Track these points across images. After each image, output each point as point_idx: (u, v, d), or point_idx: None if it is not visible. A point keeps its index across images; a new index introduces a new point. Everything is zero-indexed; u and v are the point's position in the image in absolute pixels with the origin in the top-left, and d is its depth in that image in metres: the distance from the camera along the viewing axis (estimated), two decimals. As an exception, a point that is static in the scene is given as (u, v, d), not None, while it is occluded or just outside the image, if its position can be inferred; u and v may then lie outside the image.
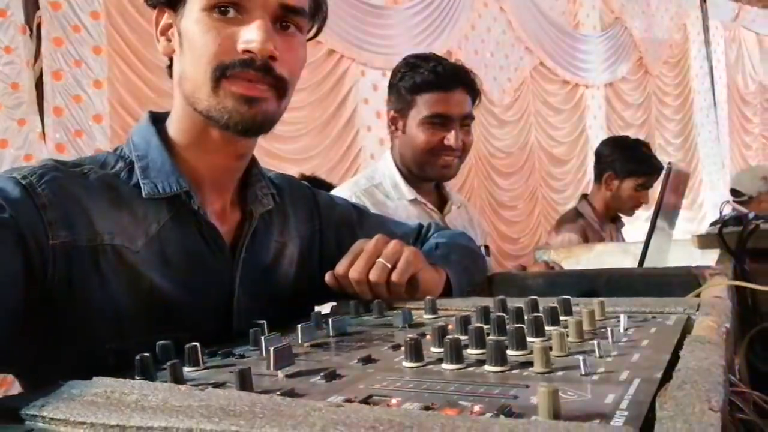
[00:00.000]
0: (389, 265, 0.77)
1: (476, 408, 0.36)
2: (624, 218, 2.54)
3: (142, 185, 0.74)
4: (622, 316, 0.56)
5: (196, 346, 0.56)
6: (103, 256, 0.68)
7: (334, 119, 3.76)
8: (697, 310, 0.59)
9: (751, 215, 1.26)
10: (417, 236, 1.06)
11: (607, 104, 5.17)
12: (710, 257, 1.41)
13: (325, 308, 0.85)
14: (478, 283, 0.97)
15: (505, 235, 4.32)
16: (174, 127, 0.80)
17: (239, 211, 0.84)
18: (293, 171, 2.27)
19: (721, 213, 2.35)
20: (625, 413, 0.33)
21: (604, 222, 2.40)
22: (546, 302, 0.63)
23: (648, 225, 1.23)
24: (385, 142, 3.84)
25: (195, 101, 0.75)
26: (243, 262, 0.79)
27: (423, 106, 1.48)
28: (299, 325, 0.62)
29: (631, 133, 5.30)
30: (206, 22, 0.73)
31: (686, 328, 0.54)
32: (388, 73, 3.95)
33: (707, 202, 5.82)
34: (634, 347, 0.48)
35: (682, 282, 0.92)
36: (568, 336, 0.51)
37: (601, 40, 5.04)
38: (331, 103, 3.70)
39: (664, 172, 1.14)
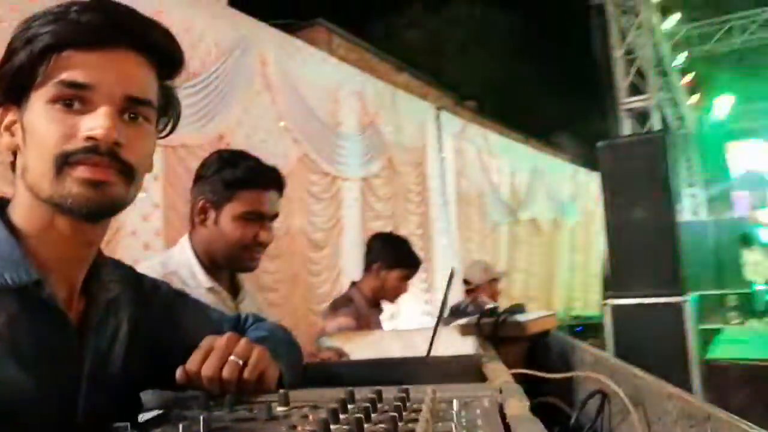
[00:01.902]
0: (241, 363, 0.83)
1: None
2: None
3: None
4: (454, 401, 0.70)
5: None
6: None
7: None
8: (501, 392, 0.77)
9: (500, 309, 1.56)
10: (236, 326, 1.11)
11: (362, 196, 5.67)
12: (468, 342, 1.69)
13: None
14: (299, 374, 1.06)
15: (269, 318, 4.39)
16: (19, 218, 0.78)
17: (85, 297, 0.84)
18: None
19: (463, 304, 2.75)
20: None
21: (370, 308, 2.65)
22: (388, 391, 0.76)
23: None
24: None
25: (38, 190, 0.76)
26: (90, 349, 0.80)
27: (240, 201, 1.55)
28: (180, 424, 0.65)
29: (381, 224, 5.89)
30: (50, 114, 0.76)
31: (500, 408, 0.71)
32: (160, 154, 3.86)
33: (440, 288, 6.61)
34: (475, 425, 0.63)
35: (465, 367, 1.13)
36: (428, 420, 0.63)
37: (358, 139, 5.58)
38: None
39: (449, 274, 1.37)
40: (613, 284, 5.89)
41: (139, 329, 0.93)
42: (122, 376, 0.88)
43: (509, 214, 8.36)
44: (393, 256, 2.67)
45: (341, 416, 0.64)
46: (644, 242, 5.42)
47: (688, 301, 5.13)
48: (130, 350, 0.90)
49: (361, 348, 1.73)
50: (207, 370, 0.81)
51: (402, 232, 6.16)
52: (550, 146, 14.29)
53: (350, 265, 5.30)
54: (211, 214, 1.58)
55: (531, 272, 9.10)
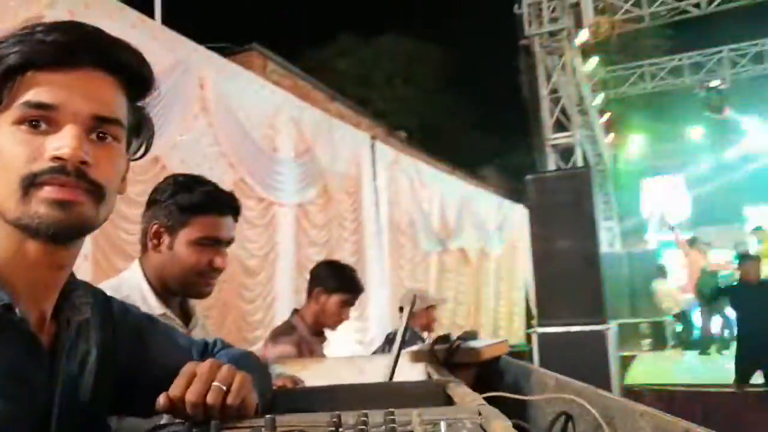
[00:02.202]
0: (225, 388, 0.83)
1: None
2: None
3: None
4: (442, 423, 0.74)
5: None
6: None
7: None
8: (480, 414, 0.81)
9: (454, 337, 1.61)
10: (204, 352, 1.10)
11: (297, 223, 5.65)
12: (419, 369, 1.72)
13: None
14: (269, 400, 1.06)
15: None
16: None
17: (56, 321, 0.82)
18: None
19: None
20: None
21: (312, 336, 2.63)
22: (374, 415, 0.78)
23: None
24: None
25: (5, 212, 0.75)
26: (61, 374, 0.79)
27: (197, 227, 1.53)
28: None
29: (316, 251, 5.88)
30: (17, 135, 0.75)
31: (484, 429, 0.74)
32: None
33: (372, 315, 6.63)
34: (469, 446, 0.66)
35: (430, 391, 1.16)
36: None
37: (294, 165, 5.57)
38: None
39: (410, 299, 1.40)
40: (539, 312, 6.11)
41: (107, 353, 0.92)
42: (92, 402, 0.86)
43: (439, 243, 8.53)
44: (333, 281, 2.64)
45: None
46: (569, 272, 5.69)
47: (611, 328, 5.40)
48: (99, 375, 0.89)
49: (314, 375, 1.73)
50: (191, 395, 0.81)
51: (336, 259, 6.17)
52: (476, 178, 14.74)
53: (284, 292, 5.26)
54: (165, 239, 1.56)
55: (459, 300, 9.28)
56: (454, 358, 1.52)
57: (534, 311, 11.66)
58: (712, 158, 14.72)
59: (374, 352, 4.15)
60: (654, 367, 8.71)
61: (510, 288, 11.58)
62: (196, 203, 1.55)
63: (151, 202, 1.60)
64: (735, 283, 6.61)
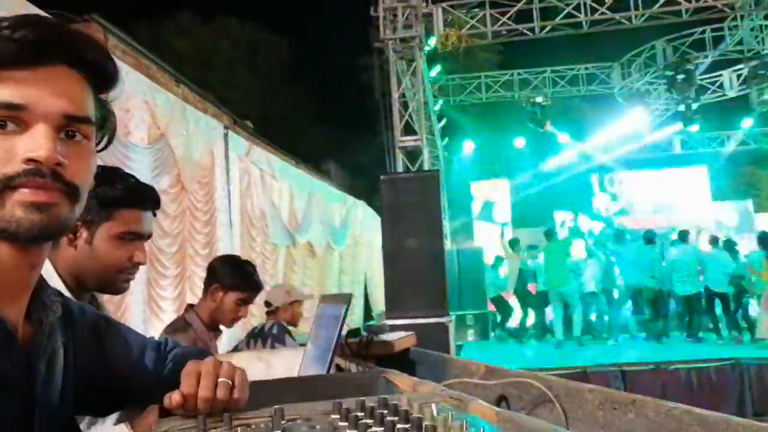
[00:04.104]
0: (231, 383, 0.89)
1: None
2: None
3: None
4: (433, 406, 0.87)
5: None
6: None
7: None
8: (451, 398, 0.96)
9: (365, 329, 1.74)
10: (158, 349, 1.12)
11: (149, 212, 5.39)
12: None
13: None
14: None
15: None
16: None
17: (28, 319, 0.84)
18: None
19: (267, 326, 2.85)
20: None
21: (209, 332, 2.57)
22: (371, 401, 0.90)
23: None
24: None
25: None
26: (38, 374, 0.82)
27: (119, 221, 1.49)
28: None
29: (168, 242, 5.66)
30: None
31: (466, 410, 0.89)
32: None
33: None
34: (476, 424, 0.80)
35: (371, 382, 1.28)
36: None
37: (148, 152, 5.30)
38: None
39: (347, 297, 1.49)
40: (387, 306, 6.44)
41: (70, 353, 0.93)
42: (62, 403, 0.88)
43: (288, 236, 8.57)
44: (230, 278, 2.58)
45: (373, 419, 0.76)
46: (417, 268, 6.08)
47: (452, 320, 5.86)
48: (65, 375, 0.90)
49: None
50: (204, 391, 0.86)
51: (188, 251, 5.97)
52: (320, 173, 14.93)
53: (136, 286, 5.00)
54: (83, 234, 1.50)
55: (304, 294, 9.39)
56: (368, 350, 1.66)
57: (372, 303, 12.15)
58: (533, 167, 16.41)
59: (236, 347, 4.12)
60: (479, 354, 9.54)
61: (352, 281, 11.94)
62: (119, 197, 1.51)
63: None
64: None
